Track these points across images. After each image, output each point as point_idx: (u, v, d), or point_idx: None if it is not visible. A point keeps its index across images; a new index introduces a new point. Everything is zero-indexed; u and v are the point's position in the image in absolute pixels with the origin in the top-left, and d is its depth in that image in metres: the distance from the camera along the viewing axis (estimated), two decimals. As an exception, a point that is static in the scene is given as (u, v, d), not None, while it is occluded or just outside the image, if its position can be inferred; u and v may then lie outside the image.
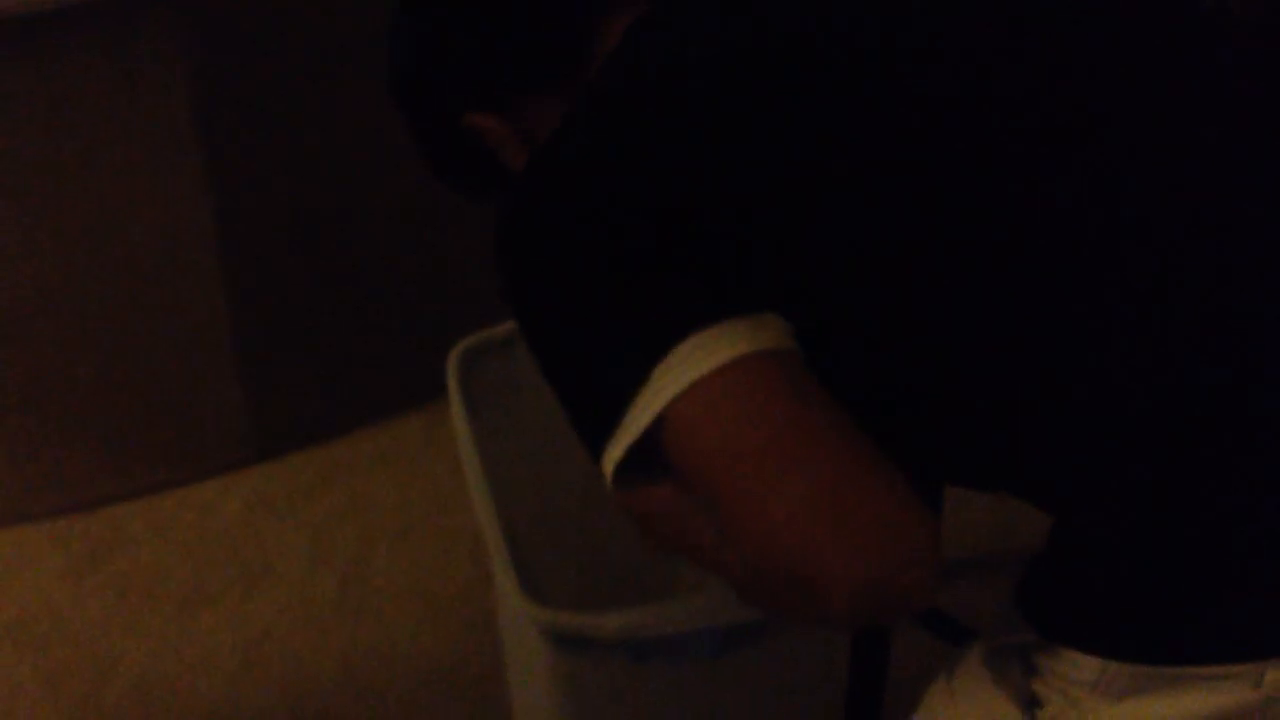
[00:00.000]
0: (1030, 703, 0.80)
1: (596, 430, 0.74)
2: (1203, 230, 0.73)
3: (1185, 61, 0.80)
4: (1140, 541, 0.73)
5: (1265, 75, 0.81)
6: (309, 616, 1.74)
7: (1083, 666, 0.75)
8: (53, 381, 1.86)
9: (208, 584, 1.80)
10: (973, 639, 0.86)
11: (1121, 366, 0.72)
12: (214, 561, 1.83)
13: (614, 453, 0.73)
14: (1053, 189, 0.74)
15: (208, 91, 1.73)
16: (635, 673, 0.99)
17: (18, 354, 1.82)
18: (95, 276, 1.81)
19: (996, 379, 0.74)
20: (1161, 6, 0.83)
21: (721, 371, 0.69)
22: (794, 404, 0.70)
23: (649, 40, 0.83)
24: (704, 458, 0.70)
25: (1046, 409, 0.74)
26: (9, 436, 1.87)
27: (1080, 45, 0.79)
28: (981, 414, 0.76)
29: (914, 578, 0.67)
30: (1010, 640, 0.80)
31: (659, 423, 0.70)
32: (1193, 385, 0.71)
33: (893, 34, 0.78)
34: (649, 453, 0.72)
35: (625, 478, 0.74)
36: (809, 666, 1.13)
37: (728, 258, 0.74)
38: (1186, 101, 0.78)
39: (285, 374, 1.99)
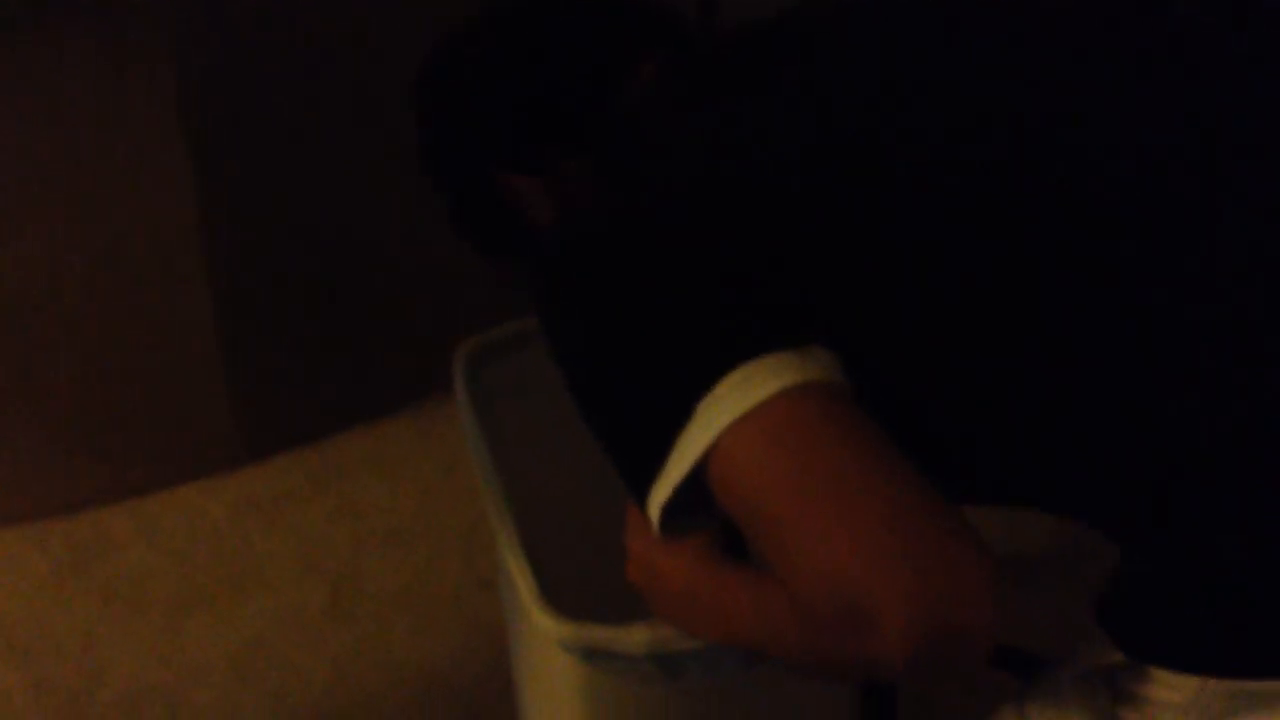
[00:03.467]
0: None
1: (640, 472, 0.72)
2: None
3: None
4: (1239, 552, 0.70)
5: None
6: (301, 623, 1.71)
7: (1177, 688, 0.72)
8: (32, 379, 1.81)
9: (196, 589, 1.76)
10: (1045, 668, 0.83)
11: (1218, 383, 0.70)
12: (202, 566, 1.80)
13: (660, 494, 0.71)
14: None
15: (197, 85, 1.69)
16: (665, 689, 0.97)
17: (-4, 351, 1.78)
18: (77, 272, 1.76)
19: (1073, 396, 0.72)
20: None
21: (772, 403, 0.67)
22: (846, 435, 0.68)
23: (694, 92, 0.84)
24: (756, 492, 0.68)
25: (1133, 429, 0.71)
26: (-13, 437, 1.83)
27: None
28: (1057, 433, 0.73)
29: (973, 616, 0.64)
30: (1090, 664, 0.77)
31: (705, 462, 0.69)
32: None
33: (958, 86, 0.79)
34: (695, 499, 0.71)
35: (671, 526, 0.73)
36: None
37: (773, 290, 0.72)
38: None
39: (272, 374, 1.95)
